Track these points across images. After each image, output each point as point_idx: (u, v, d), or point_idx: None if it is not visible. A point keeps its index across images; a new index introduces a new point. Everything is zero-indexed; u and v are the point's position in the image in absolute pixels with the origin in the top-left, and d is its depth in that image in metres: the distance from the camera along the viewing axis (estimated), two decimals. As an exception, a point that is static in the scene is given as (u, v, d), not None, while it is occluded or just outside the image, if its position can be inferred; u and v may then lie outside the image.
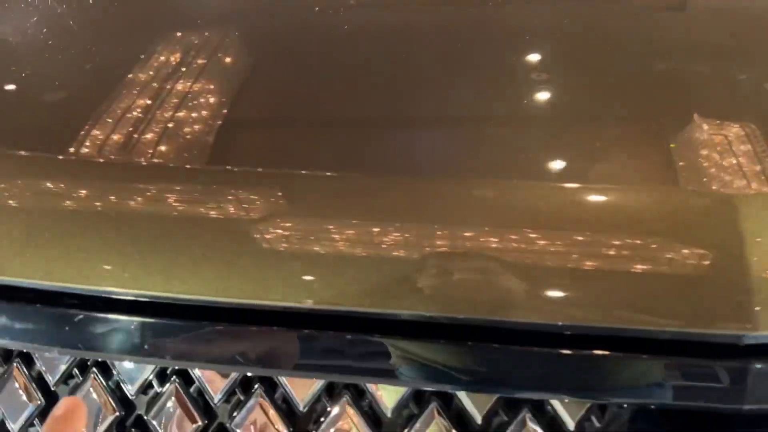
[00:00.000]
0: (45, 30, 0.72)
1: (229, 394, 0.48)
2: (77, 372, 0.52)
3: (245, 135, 0.54)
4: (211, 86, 0.58)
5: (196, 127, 0.53)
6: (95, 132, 0.53)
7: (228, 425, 0.48)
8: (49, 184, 0.49)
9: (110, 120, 0.53)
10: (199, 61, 0.61)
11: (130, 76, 0.59)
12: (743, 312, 0.37)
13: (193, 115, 0.54)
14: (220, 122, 0.54)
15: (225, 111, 0.56)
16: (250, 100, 0.58)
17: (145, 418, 0.50)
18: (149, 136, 0.52)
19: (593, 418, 0.44)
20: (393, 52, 0.64)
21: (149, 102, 0.55)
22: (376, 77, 0.60)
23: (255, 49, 0.67)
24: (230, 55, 0.64)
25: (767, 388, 0.38)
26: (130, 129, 0.53)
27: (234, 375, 0.48)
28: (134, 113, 0.54)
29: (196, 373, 0.48)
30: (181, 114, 0.54)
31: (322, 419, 0.47)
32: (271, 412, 0.47)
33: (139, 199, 0.47)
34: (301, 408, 0.47)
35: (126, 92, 0.57)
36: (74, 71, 0.63)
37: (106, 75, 0.61)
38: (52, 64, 0.65)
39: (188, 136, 0.52)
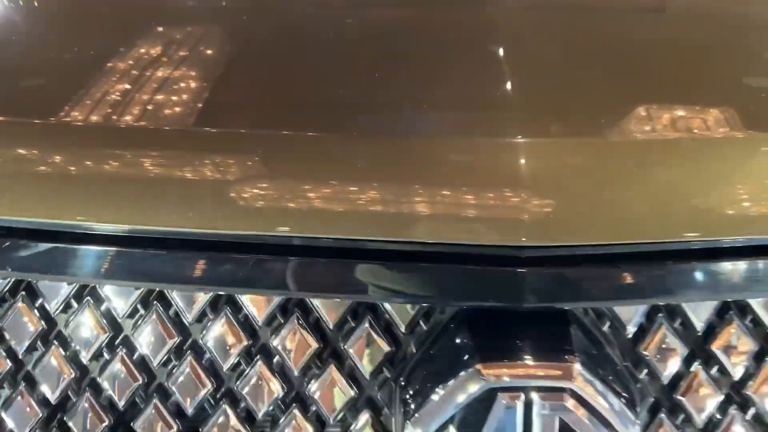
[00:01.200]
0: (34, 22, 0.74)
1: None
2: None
3: (224, 116, 0.56)
4: (192, 73, 0.60)
5: (177, 109, 0.55)
6: (74, 114, 0.54)
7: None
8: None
9: (88, 102, 0.55)
10: (181, 53, 0.63)
11: (110, 64, 0.61)
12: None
13: (173, 98, 0.56)
14: (200, 105, 0.56)
15: (206, 95, 0.58)
16: (229, 85, 0.59)
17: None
18: (128, 117, 0.54)
19: (421, 322, 0.52)
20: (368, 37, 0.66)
21: (128, 86, 0.57)
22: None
23: (233, 40, 0.68)
24: (210, 48, 0.65)
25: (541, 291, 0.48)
26: (108, 111, 0.55)
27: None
28: (113, 96, 0.56)
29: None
30: (159, 97, 0.56)
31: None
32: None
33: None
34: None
35: (105, 79, 0.58)
36: (56, 60, 0.64)
37: (87, 65, 0.62)
38: (36, 53, 0.66)
39: (168, 118, 0.54)
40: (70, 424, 0.55)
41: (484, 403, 0.48)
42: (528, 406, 0.48)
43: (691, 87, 0.57)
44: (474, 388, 0.48)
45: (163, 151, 0.53)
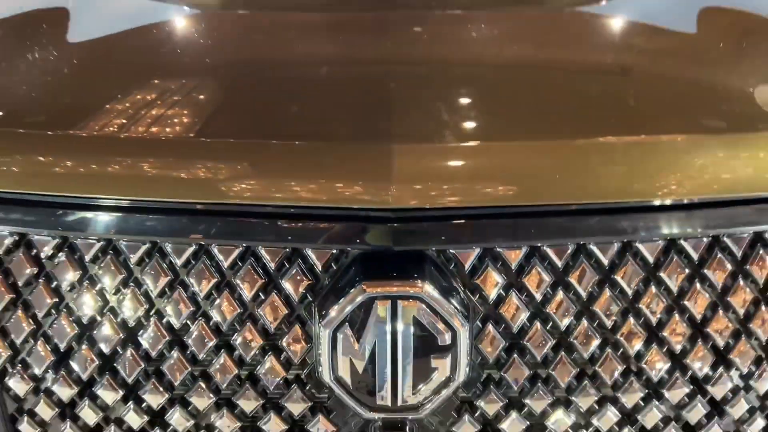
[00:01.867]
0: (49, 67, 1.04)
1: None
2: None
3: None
4: (185, 111, 0.90)
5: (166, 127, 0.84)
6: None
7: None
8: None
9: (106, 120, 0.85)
10: (175, 98, 0.93)
11: (107, 106, 0.88)
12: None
13: (167, 129, 0.85)
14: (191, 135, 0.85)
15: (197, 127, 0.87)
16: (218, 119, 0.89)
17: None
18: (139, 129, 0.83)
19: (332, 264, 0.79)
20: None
21: (124, 122, 0.86)
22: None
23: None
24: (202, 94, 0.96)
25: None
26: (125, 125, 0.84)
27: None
28: (109, 130, 0.84)
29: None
30: (154, 129, 0.85)
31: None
32: None
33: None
34: None
35: (101, 120, 0.86)
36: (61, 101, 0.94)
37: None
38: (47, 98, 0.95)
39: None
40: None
41: (366, 308, 0.75)
42: (394, 308, 0.75)
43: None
44: (360, 298, 0.75)
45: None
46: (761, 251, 0.81)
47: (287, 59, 1.02)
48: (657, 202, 0.79)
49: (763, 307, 0.81)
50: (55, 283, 0.82)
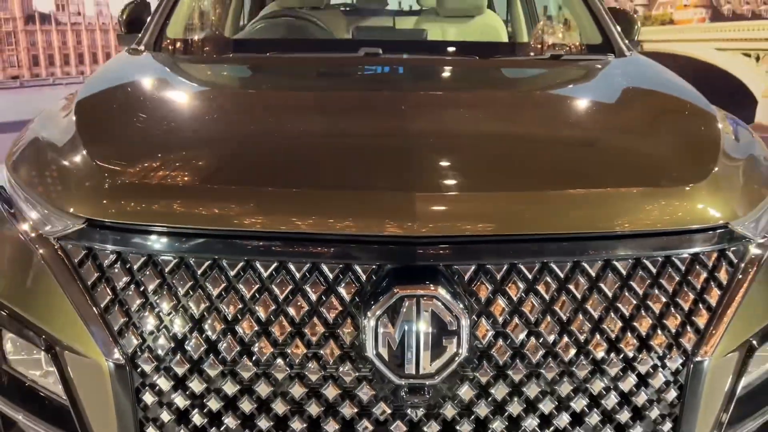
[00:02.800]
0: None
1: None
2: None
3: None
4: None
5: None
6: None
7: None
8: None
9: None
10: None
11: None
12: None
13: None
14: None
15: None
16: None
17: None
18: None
19: (372, 275, 1.14)
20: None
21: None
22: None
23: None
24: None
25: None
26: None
27: None
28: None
29: None
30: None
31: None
32: None
33: None
34: None
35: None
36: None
37: None
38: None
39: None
40: None
41: (398, 304, 1.10)
42: (417, 305, 1.10)
43: None
44: (394, 297, 1.10)
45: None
46: (670, 269, 1.18)
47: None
48: (595, 233, 1.16)
49: (672, 309, 1.18)
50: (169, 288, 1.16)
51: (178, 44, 2.22)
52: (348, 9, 4.48)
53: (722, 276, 1.22)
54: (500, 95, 1.64)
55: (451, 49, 2.34)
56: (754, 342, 1.29)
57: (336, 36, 2.72)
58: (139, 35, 2.23)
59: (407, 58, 2.08)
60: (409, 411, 1.15)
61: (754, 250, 1.27)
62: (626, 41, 2.32)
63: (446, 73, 1.98)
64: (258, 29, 2.63)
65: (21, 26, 6.22)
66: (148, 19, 2.33)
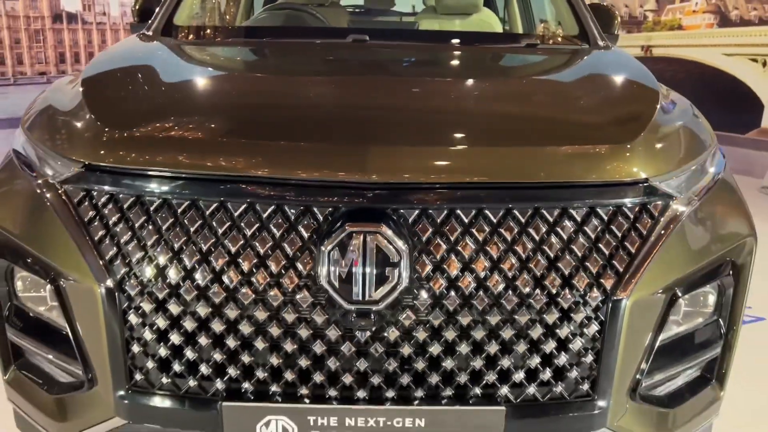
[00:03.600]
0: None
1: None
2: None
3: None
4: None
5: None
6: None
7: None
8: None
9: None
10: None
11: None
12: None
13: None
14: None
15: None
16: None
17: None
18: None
19: (329, 216, 1.29)
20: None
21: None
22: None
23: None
24: None
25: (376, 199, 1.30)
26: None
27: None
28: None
29: None
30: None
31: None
32: None
33: None
34: None
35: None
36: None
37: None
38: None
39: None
40: None
41: (348, 238, 1.27)
42: (365, 239, 1.27)
43: None
44: (345, 232, 1.27)
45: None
46: (595, 219, 1.34)
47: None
48: (528, 182, 1.33)
49: (595, 253, 1.33)
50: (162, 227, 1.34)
51: (183, 30, 2.43)
52: (355, 8, 4.68)
53: (642, 227, 1.38)
54: (463, 69, 1.83)
55: (434, 37, 2.51)
56: (677, 291, 1.44)
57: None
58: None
59: (389, 44, 2.26)
60: (357, 333, 1.31)
61: (674, 206, 1.42)
62: (603, 34, 2.48)
63: (419, 53, 2.16)
64: (260, 19, 2.84)
65: (49, 25, 6.51)
66: (157, 8, 2.55)
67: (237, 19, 3.44)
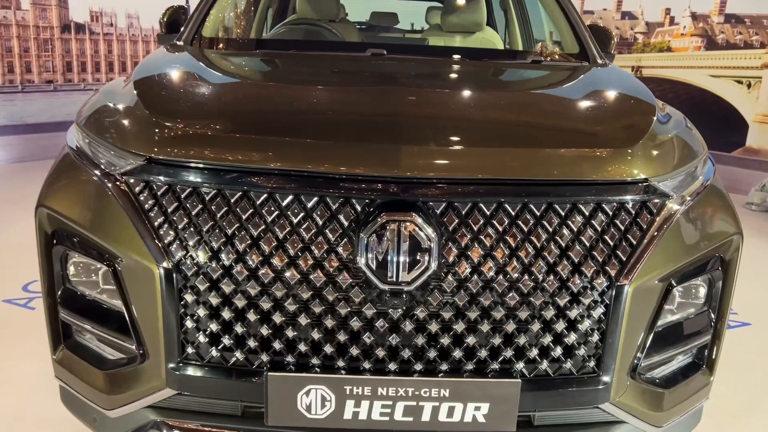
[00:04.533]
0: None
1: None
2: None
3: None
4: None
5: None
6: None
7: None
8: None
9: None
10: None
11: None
12: None
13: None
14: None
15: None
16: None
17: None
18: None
19: (367, 208, 1.46)
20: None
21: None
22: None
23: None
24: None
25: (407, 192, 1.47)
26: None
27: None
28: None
29: None
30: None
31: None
32: None
33: None
34: None
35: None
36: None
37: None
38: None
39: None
40: None
41: (383, 226, 1.43)
42: (399, 227, 1.43)
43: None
44: (381, 219, 1.43)
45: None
46: (601, 214, 1.51)
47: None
48: (543, 180, 1.50)
49: (601, 244, 1.50)
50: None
51: (211, 42, 2.60)
52: (362, 25, 4.88)
53: (642, 222, 1.55)
54: (480, 80, 2.03)
55: (447, 52, 2.70)
56: (672, 281, 1.61)
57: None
58: (177, 34, 2.62)
59: (406, 57, 2.45)
60: (390, 311, 1.47)
61: (670, 205, 1.60)
62: (601, 52, 2.68)
63: (435, 66, 2.35)
64: (280, 33, 3.02)
65: (57, 35, 6.66)
66: (186, 20, 2.72)
67: (252, 33, 3.61)
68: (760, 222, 5.79)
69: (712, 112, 7.04)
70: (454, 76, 2.19)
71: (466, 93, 1.97)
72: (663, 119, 1.85)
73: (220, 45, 2.67)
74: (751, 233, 5.38)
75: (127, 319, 1.58)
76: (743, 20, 6.98)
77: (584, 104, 1.94)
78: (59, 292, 1.73)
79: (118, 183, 1.56)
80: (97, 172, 1.61)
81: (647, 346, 1.62)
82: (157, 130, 1.58)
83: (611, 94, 2.10)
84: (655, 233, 1.56)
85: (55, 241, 1.69)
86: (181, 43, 2.53)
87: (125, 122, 1.69)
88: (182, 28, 2.67)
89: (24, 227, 4.84)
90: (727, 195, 1.86)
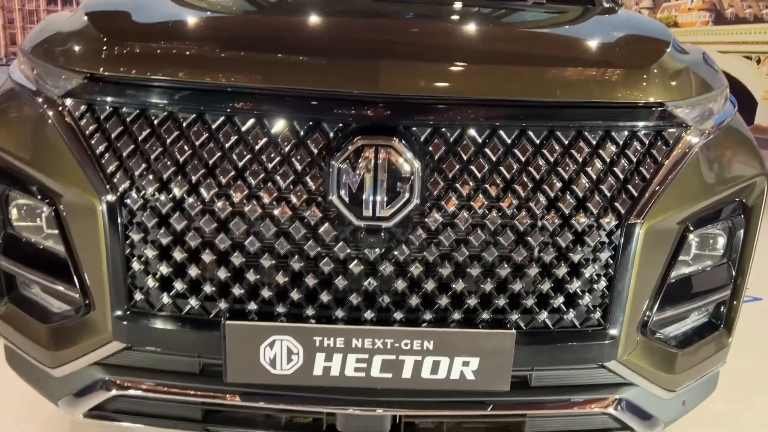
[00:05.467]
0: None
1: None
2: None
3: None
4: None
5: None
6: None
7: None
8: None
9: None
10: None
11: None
12: None
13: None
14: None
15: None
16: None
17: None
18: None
19: (340, 132, 1.26)
20: None
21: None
22: None
23: None
24: None
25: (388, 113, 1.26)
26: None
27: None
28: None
29: None
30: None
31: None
32: None
33: None
34: None
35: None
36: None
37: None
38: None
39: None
40: None
41: (359, 151, 1.23)
42: (376, 153, 1.23)
43: None
44: (356, 144, 1.23)
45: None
46: (610, 143, 1.31)
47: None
48: (541, 100, 1.30)
49: (610, 177, 1.31)
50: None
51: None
52: None
53: (658, 153, 1.35)
54: (480, 15, 1.81)
55: None
56: (689, 225, 1.41)
57: None
58: None
59: None
60: (366, 252, 1.28)
61: (689, 136, 1.40)
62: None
63: (433, 5, 2.11)
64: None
65: (43, 6, 6.45)
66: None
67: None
68: (769, 200, 5.60)
69: (719, 89, 6.82)
70: (450, 11, 1.96)
71: (462, 23, 1.75)
72: (679, 48, 1.64)
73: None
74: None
75: (69, 263, 1.39)
76: (753, -7, 6.75)
77: (592, 31, 1.72)
78: (0, 238, 1.54)
79: (59, 107, 1.36)
80: (39, 99, 1.42)
81: (660, 298, 1.43)
82: (101, 46, 1.37)
83: (624, 25, 1.88)
84: (672, 167, 1.36)
85: (-6, 180, 1.50)
86: None
87: (66, 41, 1.48)
88: None
89: None
90: (751, 136, 1.66)
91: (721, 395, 2.37)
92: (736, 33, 6.75)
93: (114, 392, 1.42)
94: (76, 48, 1.43)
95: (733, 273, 1.59)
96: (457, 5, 2.09)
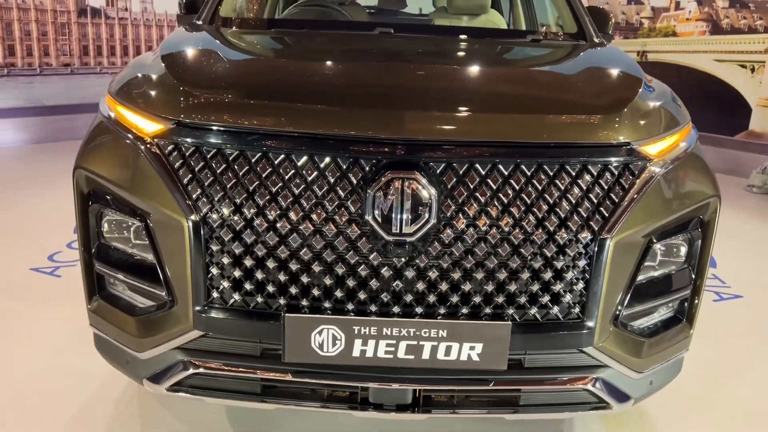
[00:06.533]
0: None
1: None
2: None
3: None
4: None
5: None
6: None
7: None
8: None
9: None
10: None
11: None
12: None
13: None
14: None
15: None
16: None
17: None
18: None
19: (374, 168, 1.62)
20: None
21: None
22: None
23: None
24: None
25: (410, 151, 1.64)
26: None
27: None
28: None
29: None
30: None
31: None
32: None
33: None
34: None
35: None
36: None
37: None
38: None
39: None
40: None
41: (389, 183, 1.59)
42: (403, 184, 1.59)
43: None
44: (387, 177, 1.60)
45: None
46: (587, 174, 1.67)
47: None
48: (534, 142, 1.65)
49: (586, 202, 1.66)
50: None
51: (228, 21, 2.76)
52: (371, 9, 5.03)
53: (624, 182, 1.71)
54: (480, 56, 2.19)
55: (450, 31, 2.86)
56: (652, 237, 1.77)
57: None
58: (194, 15, 2.79)
59: (412, 35, 2.61)
60: (394, 260, 1.64)
61: (653, 167, 1.75)
62: (599, 33, 2.82)
63: (440, 44, 2.51)
64: (292, 14, 3.18)
65: (74, 19, 6.83)
66: (204, 1, 2.89)
67: (266, 14, 3.77)
68: (760, 204, 5.91)
69: (716, 96, 7.14)
70: (455, 50, 2.35)
71: (466, 65, 2.13)
72: (648, 90, 2.00)
73: (236, 24, 2.83)
74: (750, 214, 5.51)
75: (158, 268, 1.75)
76: (748, 5, 7.05)
77: (575, 76, 2.09)
78: (94, 248, 1.91)
79: (149, 145, 1.73)
80: (130, 136, 1.78)
81: (629, 296, 1.78)
82: (183, 98, 1.74)
83: (601, 68, 2.25)
84: (636, 193, 1.71)
85: (91, 201, 1.86)
86: (200, 22, 2.70)
87: (156, 90, 1.85)
88: (201, 9, 2.83)
89: (45, 202, 5.03)
90: (706, 161, 2.01)
91: (699, 382, 2.74)
92: (731, 43, 7.07)
93: (191, 371, 1.79)
94: (162, 97, 1.80)
95: (693, 276, 1.94)
96: (462, 44, 2.47)
